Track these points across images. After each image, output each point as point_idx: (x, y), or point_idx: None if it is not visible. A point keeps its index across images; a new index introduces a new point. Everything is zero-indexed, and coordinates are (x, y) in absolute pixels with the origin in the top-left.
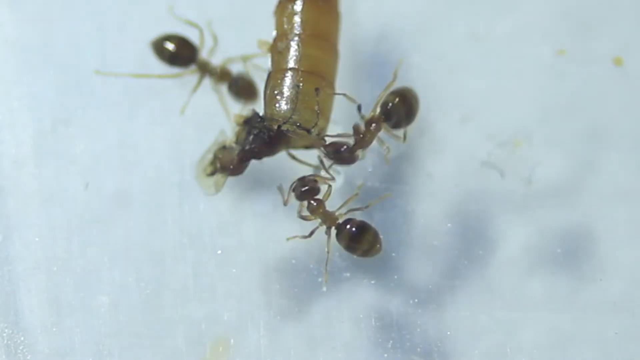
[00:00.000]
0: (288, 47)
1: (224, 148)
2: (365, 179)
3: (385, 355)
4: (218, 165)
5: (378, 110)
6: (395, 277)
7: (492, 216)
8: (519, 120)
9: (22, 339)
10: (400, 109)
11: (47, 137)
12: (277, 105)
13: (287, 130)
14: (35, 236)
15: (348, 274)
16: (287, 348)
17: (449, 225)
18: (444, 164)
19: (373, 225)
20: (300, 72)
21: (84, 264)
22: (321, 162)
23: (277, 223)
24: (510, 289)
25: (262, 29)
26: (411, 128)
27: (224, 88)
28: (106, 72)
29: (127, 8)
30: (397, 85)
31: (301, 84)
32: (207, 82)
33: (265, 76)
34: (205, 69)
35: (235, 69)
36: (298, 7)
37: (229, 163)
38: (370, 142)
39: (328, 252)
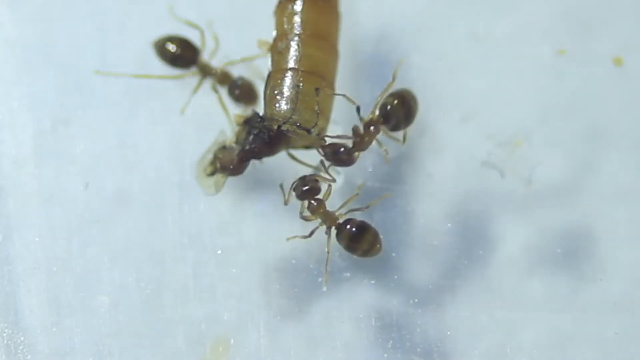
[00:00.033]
0: (288, 47)
1: (224, 148)
2: (365, 179)
3: (385, 355)
4: (218, 165)
5: (377, 112)
6: (395, 277)
7: (492, 216)
8: (519, 120)
9: (22, 339)
10: (399, 111)
11: (47, 137)
12: (277, 105)
13: (287, 130)
14: (35, 236)
15: (348, 274)
16: (287, 348)
17: (449, 225)
18: (444, 164)
19: (373, 225)
20: (300, 72)
21: (84, 264)
22: (322, 162)
23: (277, 223)
24: (510, 289)
25: (262, 29)
26: (411, 128)
27: (224, 90)
28: (107, 72)
29: (127, 8)
30: (397, 86)
31: (301, 84)
32: (207, 82)
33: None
34: (206, 72)
35: (237, 72)
36: (298, 7)
37: (229, 163)
38: (369, 145)
39: (328, 252)
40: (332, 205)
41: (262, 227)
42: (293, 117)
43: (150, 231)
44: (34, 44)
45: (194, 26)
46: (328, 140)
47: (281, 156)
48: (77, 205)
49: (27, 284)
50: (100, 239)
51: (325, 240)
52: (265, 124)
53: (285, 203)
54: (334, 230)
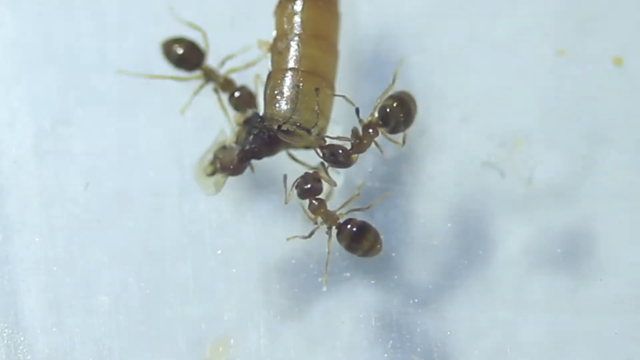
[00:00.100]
0: (288, 47)
1: (224, 148)
2: (365, 179)
3: (385, 355)
4: (218, 165)
5: (376, 114)
6: (395, 277)
7: (492, 216)
8: (519, 120)
9: (22, 339)
10: (398, 113)
11: (47, 137)
12: (277, 105)
13: (287, 130)
14: (35, 236)
15: (348, 274)
16: (287, 348)
17: (449, 225)
18: (444, 164)
19: (373, 225)
20: (300, 72)
21: (84, 264)
22: (322, 163)
23: (277, 223)
24: (510, 289)
25: (262, 29)
26: (411, 128)
27: (225, 94)
28: (125, 71)
29: (127, 8)
30: (397, 87)
31: (301, 84)
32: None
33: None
34: (209, 76)
35: (237, 75)
36: (298, 7)
37: (229, 163)
38: (368, 147)
39: (328, 252)
40: (332, 205)
41: (262, 227)
42: (293, 117)
43: (150, 231)
44: (34, 44)
45: (196, 28)
46: (327, 141)
47: (281, 156)
48: (77, 205)
49: (27, 284)
50: (100, 239)
51: (325, 240)
52: (265, 124)
53: (286, 202)
54: (334, 230)
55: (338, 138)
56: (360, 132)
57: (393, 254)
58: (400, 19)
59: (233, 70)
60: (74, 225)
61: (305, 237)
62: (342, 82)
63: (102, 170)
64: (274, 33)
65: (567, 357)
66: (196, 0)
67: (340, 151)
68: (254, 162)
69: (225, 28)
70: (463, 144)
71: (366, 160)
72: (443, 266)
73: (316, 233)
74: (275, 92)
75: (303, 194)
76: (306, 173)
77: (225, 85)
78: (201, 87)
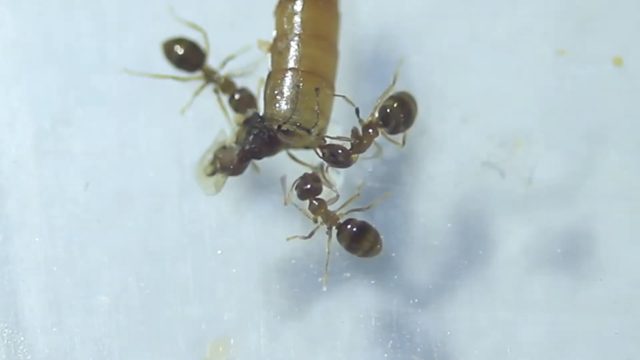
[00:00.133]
0: (288, 47)
1: (224, 148)
2: (365, 179)
3: (385, 355)
4: (218, 165)
5: (376, 115)
6: (395, 277)
7: (492, 216)
8: (519, 120)
9: (22, 339)
10: (398, 114)
11: (47, 137)
12: (277, 105)
13: (287, 130)
14: (35, 236)
15: (348, 274)
16: (287, 348)
17: (449, 225)
18: (444, 164)
19: (374, 225)
20: (300, 72)
21: (84, 264)
22: (322, 163)
23: (277, 223)
24: (510, 289)
25: (262, 29)
26: (411, 128)
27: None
28: (131, 70)
29: (127, 8)
30: (397, 87)
31: (301, 84)
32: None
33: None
34: (210, 77)
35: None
36: (298, 7)
37: (229, 163)
38: (367, 147)
39: (329, 253)
40: (332, 205)
41: (262, 227)
42: (293, 117)
43: (150, 231)
44: (34, 44)
45: (197, 28)
46: (327, 141)
47: (281, 156)
48: (77, 205)
49: (27, 284)
50: (100, 239)
51: (325, 241)
52: (265, 124)
53: (285, 203)
54: (334, 231)
55: (338, 138)
56: (360, 132)
57: (393, 254)
58: (400, 19)
59: (238, 75)
60: (74, 225)
61: (305, 238)
62: (342, 82)
63: (102, 170)
64: (274, 33)
65: (567, 357)
66: (196, 0)
67: (340, 151)
68: (256, 162)
69: (225, 28)
70: (463, 144)
71: (366, 161)
72: (443, 266)
73: (316, 233)
74: (275, 92)
75: (303, 194)
76: (305, 174)
77: (226, 86)
78: (202, 87)
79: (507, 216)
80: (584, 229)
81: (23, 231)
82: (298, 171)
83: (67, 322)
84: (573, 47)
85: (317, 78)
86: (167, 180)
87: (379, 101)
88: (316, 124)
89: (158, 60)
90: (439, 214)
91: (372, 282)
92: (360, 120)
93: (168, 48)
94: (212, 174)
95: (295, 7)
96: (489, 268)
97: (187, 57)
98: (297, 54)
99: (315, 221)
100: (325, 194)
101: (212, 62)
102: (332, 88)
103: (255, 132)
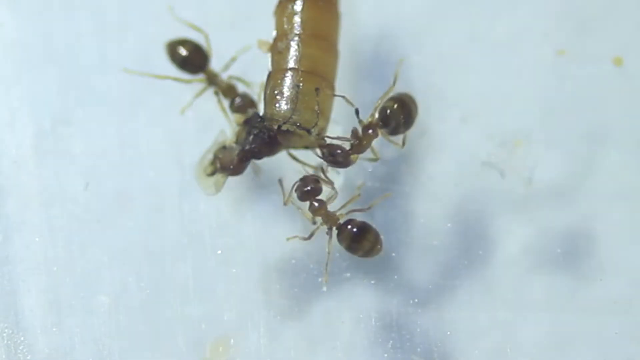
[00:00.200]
0: (288, 47)
1: (224, 148)
2: (365, 179)
3: (385, 355)
4: (218, 165)
5: (376, 115)
6: (395, 277)
7: (492, 216)
8: (519, 120)
9: (22, 339)
10: (398, 115)
11: (47, 137)
12: (277, 105)
13: (287, 130)
14: (35, 236)
15: (348, 274)
16: (287, 348)
17: (449, 225)
18: (444, 164)
19: (374, 225)
20: (300, 72)
21: (84, 264)
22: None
23: (277, 223)
24: (510, 289)
25: (262, 29)
26: (411, 129)
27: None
28: (133, 70)
29: (127, 8)
30: (397, 87)
31: (301, 84)
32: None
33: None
34: (212, 81)
35: (242, 73)
36: (298, 7)
37: (229, 163)
38: (367, 148)
39: (329, 253)
40: (332, 205)
41: (262, 227)
42: (293, 117)
43: (150, 231)
44: (34, 44)
45: (197, 29)
46: (327, 141)
47: (281, 156)
48: (77, 205)
49: (27, 284)
50: (100, 239)
51: (325, 241)
52: (265, 124)
53: (285, 203)
54: (334, 231)
55: (338, 138)
56: (360, 133)
57: (393, 254)
58: (400, 19)
59: (237, 79)
60: (74, 225)
61: (305, 239)
62: (342, 82)
63: (102, 170)
64: (274, 33)
65: (567, 357)
66: (196, 0)
67: (340, 151)
68: (257, 163)
69: (225, 28)
70: (463, 144)
71: (366, 161)
72: (443, 266)
73: (316, 234)
74: (275, 92)
75: (303, 196)
76: (305, 175)
77: (227, 90)
78: (203, 89)
79: (507, 216)
80: (584, 229)
81: (23, 231)
82: (298, 171)
83: (67, 322)
84: (573, 47)
85: (317, 78)
86: (167, 180)
87: (379, 102)
88: (316, 124)
89: (158, 60)
90: (439, 214)
91: (372, 282)
92: (360, 121)
93: (172, 49)
94: (212, 174)
95: (295, 7)
96: (489, 268)
97: (191, 58)
98: (297, 54)
99: (314, 222)
100: (325, 194)
101: (212, 62)
102: (332, 88)
103: (255, 132)
